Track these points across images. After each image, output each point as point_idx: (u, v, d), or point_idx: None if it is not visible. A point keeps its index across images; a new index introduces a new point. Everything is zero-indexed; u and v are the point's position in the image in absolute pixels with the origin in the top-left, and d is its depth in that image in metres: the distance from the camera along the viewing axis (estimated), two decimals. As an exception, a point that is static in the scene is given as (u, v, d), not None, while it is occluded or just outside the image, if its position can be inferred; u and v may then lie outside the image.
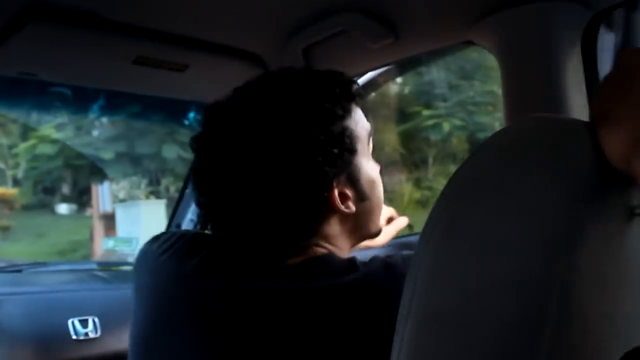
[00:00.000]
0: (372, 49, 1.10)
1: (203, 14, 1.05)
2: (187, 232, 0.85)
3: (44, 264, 1.99)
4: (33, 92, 1.61)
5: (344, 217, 0.78)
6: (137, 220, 8.05)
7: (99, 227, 8.82)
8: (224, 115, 0.77)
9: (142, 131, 8.09)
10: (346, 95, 0.79)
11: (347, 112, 0.77)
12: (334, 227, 0.77)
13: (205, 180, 0.77)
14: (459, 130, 8.22)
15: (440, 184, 8.48)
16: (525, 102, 0.91)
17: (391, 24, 1.03)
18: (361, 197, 0.79)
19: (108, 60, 1.19)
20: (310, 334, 0.68)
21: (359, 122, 0.79)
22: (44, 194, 10.24)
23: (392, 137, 9.10)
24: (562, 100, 0.87)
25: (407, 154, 8.98)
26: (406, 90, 8.92)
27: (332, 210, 0.76)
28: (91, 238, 8.76)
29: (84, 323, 1.55)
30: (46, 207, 10.13)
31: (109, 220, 8.68)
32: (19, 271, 1.88)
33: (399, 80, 8.84)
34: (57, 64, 1.20)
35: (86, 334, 1.53)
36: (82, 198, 9.66)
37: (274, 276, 0.73)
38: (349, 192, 0.77)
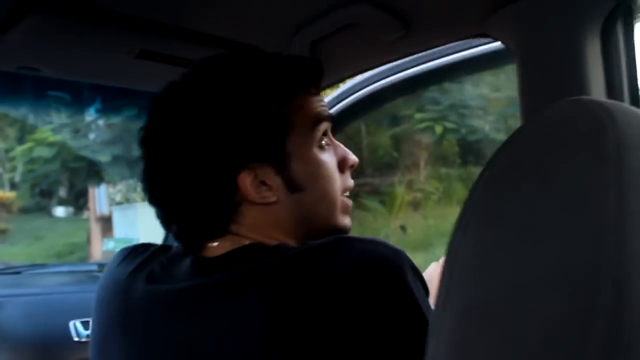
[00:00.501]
0: (382, 43, 1.06)
1: (208, 7, 1.00)
2: (145, 243, 0.86)
3: (43, 265, 1.98)
4: (31, 92, 1.58)
5: (267, 207, 0.73)
6: (134, 222, 8.00)
7: (96, 230, 8.76)
8: (162, 98, 0.77)
9: (138, 134, 8.04)
10: (293, 81, 0.76)
11: (284, 98, 0.74)
12: (255, 217, 0.73)
13: (147, 169, 0.77)
14: (451, 133, 8.23)
15: (432, 186, 8.55)
16: (543, 95, 0.87)
17: (402, 16, 0.98)
18: (292, 187, 0.74)
19: (111, 55, 1.14)
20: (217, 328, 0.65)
21: (303, 110, 0.75)
22: (41, 196, 10.17)
23: (384, 140, 9.10)
24: (580, 94, 0.83)
25: (400, 157, 8.98)
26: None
27: (247, 199, 0.72)
28: (88, 241, 8.70)
29: (86, 325, 1.52)
30: (43, 210, 10.07)
31: (106, 223, 8.64)
32: (18, 273, 1.86)
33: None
34: (58, 58, 1.15)
35: (88, 335, 1.48)
36: (79, 201, 9.60)
37: (190, 273, 0.72)
38: (271, 181, 0.72)
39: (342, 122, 1.55)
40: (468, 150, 8.51)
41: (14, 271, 1.89)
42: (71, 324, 1.51)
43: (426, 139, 8.36)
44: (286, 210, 0.74)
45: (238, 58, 0.78)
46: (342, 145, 0.82)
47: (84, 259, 8.41)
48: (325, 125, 0.77)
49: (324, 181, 0.76)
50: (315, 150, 0.76)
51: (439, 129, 8.00)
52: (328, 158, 0.78)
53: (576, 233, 0.39)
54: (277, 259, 0.66)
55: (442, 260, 0.99)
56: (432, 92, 7.99)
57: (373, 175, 9.21)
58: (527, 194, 0.42)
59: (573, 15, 0.84)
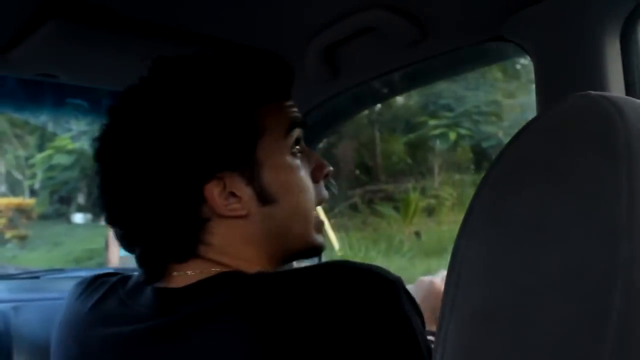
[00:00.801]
0: (397, 48, 1.05)
1: (224, 13, 1.00)
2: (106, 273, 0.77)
3: (61, 270, 1.95)
4: (50, 99, 1.59)
5: (237, 222, 0.66)
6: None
7: (114, 236, 8.80)
8: (118, 105, 0.70)
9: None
10: (264, 83, 0.70)
11: (255, 101, 0.67)
12: (224, 234, 0.65)
13: (103, 185, 0.68)
14: (465, 140, 8.21)
15: (446, 192, 8.51)
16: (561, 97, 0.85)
17: (418, 20, 0.96)
18: (263, 199, 0.66)
19: (127, 61, 1.09)
20: None
21: (275, 115, 0.69)
22: (60, 203, 10.30)
23: (398, 146, 9.08)
24: (600, 96, 0.81)
25: (414, 164, 8.95)
26: (411, 101, 8.91)
27: (215, 212, 0.64)
28: (106, 246, 8.75)
29: None
30: (62, 216, 10.19)
31: None
32: (37, 277, 1.85)
33: (404, 91, 8.84)
34: (76, 65, 1.15)
35: None
36: (97, 207, 9.67)
37: (152, 308, 0.63)
38: (240, 192, 0.65)
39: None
40: (482, 156, 8.47)
41: (32, 276, 1.87)
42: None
43: (440, 145, 8.34)
44: (257, 225, 0.67)
45: (201, 58, 0.70)
46: (315, 153, 0.75)
47: (102, 265, 8.45)
48: (298, 132, 0.71)
49: (298, 192, 0.70)
50: (288, 158, 0.69)
51: (452, 136, 7.99)
52: (302, 167, 0.71)
53: (587, 233, 0.37)
54: (262, 286, 0.59)
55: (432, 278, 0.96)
56: (446, 99, 7.97)
57: (387, 181, 9.19)
58: (534, 193, 0.40)
59: (592, 17, 0.82)
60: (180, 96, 0.65)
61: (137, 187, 0.63)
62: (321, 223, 0.74)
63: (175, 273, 0.65)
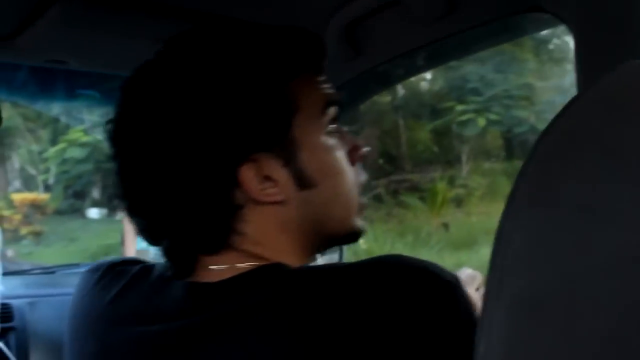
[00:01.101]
0: (423, 23, 1.02)
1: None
2: (129, 260, 0.74)
3: (76, 265, 1.98)
4: (62, 90, 1.63)
5: (273, 208, 0.62)
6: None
7: (129, 231, 8.89)
8: (135, 82, 0.65)
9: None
10: (297, 55, 0.66)
11: (288, 74, 0.64)
12: (260, 222, 0.62)
13: (122, 173, 0.64)
14: (494, 125, 8.14)
15: (476, 182, 8.45)
16: (603, 70, 0.82)
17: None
18: (302, 182, 0.63)
19: (140, 44, 1.07)
20: None
21: (309, 90, 0.65)
22: (74, 198, 10.45)
23: (424, 134, 9.03)
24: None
25: (440, 152, 8.90)
26: (437, 85, 8.85)
27: (252, 199, 0.61)
28: (122, 241, 8.85)
29: None
30: (77, 211, 10.33)
31: None
32: (52, 273, 1.91)
33: (428, 76, 8.81)
34: (85, 50, 1.14)
35: None
36: (112, 202, 9.78)
37: (184, 305, 0.60)
38: (277, 175, 0.62)
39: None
40: (513, 143, 8.39)
41: (47, 271, 1.92)
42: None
43: (468, 132, 8.27)
44: (295, 211, 0.64)
45: (227, 30, 0.66)
46: (349, 133, 0.73)
47: (119, 261, 8.58)
48: (334, 110, 0.68)
49: (338, 174, 0.67)
50: (325, 138, 0.66)
51: (481, 121, 7.93)
52: (339, 148, 0.68)
53: None
54: (306, 283, 0.57)
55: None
56: (474, 83, 7.90)
57: (413, 171, 9.16)
58: (587, 170, 0.38)
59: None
60: (209, 69, 0.61)
61: (162, 172, 0.60)
62: (364, 206, 0.72)
63: (208, 266, 0.62)
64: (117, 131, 0.64)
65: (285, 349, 0.53)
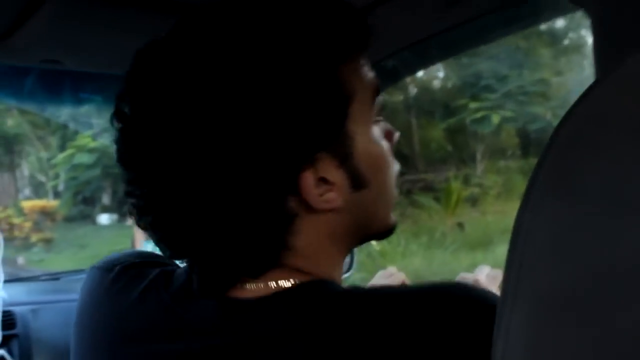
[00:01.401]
0: (438, 7, 0.99)
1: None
2: (141, 254, 0.66)
3: (81, 271, 1.97)
4: (62, 93, 1.63)
5: (325, 216, 0.54)
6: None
7: (139, 236, 8.98)
8: (156, 54, 0.54)
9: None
10: (347, 34, 0.55)
11: (341, 58, 0.53)
12: (310, 235, 0.54)
13: (144, 183, 0.54)
14: (509, 123, 8.12)
15: (491, 180, 8.42)
16: (623, 56, 0.79)
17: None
18: (356, 183, 0.55)
19: (137, 41, 1.09)
20: None
21: (358, 76, 0.56)
22: (84, 204, 10.58)
23: (437, 133, 9.02)
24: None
25: (454, 150, 8.88)
26: (450, 83, 8.84)
27: (305, 207, 0.53)
28: (132, 247, 8.95)
29: None
30: (87, 217, 10.46)
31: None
32: (57, 279, 1.92)
33: (441, 74, 8.80)
34: (81, 49, 1.12)
35: None
36: (122, 208, 9.88)
37: (215, 321, 0.53)
38: (333, 177, 0.53)
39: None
40: (528, 140, 8.36)
41: (52, 277, 1.93)
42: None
43: (482, 130, 8.25)
44: (346, 217, 0.56)
45: (259, 2, 0.54)
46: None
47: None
48: (382, 98, 0.60)
49: (387, 169, 0.59)
50: (375, 129, 0.58)
51: (496, 119, 7.91)
52: (382, 137, 0.60)
53: None
54: (354, 309, 0.51)
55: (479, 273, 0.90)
56: (487, 80, 7.88)
57: (426, 170, 9.15)
58: (613, 156, 0.35)
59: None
60: (254, 51, 0.50)
61: (202, 180, 0.50)
62: (396, 198, 0.64)
63: (244, 283, 0.54)
64: (137, 130, 0.53)
65: None
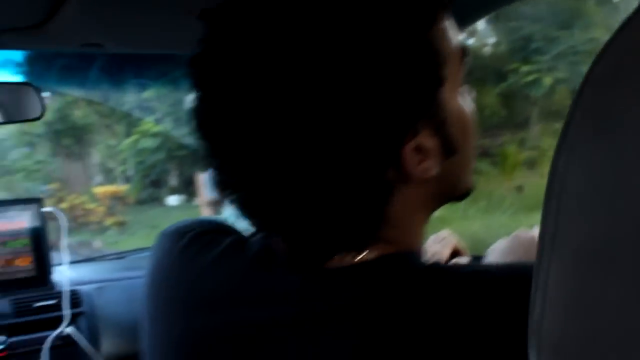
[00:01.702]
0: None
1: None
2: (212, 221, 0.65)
3: (147, 249, 1.97)
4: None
5: (419, 187, 0.53)
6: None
7: (207, 214, 9.18)
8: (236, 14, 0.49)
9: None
10: None
11: (430, 21, 0.51)
12: (404, 206, 0.53)
13: (211, 126, 0.51)
14: (562, 84, 8.01)
15: (547, 143, 8.32)
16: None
17: None
18: (449, 149, 0.53)
19: (177, 20, 1.04)
20: None
21: (447, 38, 0.53)
22: (153, 187, 10.85)
23: (490, 99, 9.00)
24: None
25: (508, 115, 8.84)
26: (500, 49, 8.78)
27: (402, 177, 0.51)
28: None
29: None
30: (156, 200, 10.72)
31: (217, 207, 9.07)
32: (122, 258, 1.99)
33: (491, 40, 8.71)
34: (120, 30, 1.11)
35: None
36: (188, 188, 10.02)
37: (296, 289, 0.53)
38: (430, 145, 0.51)
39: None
40: (583, 100, 8.19)
41: (118, 256, 2.00)
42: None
43: (535, 92, 8.19)
44: (436, 185, 0.54)
45: None
46: None
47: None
48: (470, 60, 0.58)
49: (473, 133, 0.57)
50: (462, 93, 0.56)
51: (548, 81, 7.78)
52: (470, 100, 0.58)
53: None
54: (437, 286, 0.50)
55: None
56: (537, 42, 7.82)
57: (482, 136, 9.05)
58: None
59: None
60: (343, 20, 0.47)
61: (300, 153, 0.47)
62: None
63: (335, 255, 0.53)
64: (226, 98, 0.49)
65: (406, 351, 0.47)
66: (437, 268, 0.53)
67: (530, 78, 7.91)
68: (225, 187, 0.53)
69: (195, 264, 0.59)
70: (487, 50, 8.70)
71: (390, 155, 0.49)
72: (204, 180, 9.69)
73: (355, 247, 0.52)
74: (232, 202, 0.53)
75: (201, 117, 0.51)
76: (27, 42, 1.13)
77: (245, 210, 0.53)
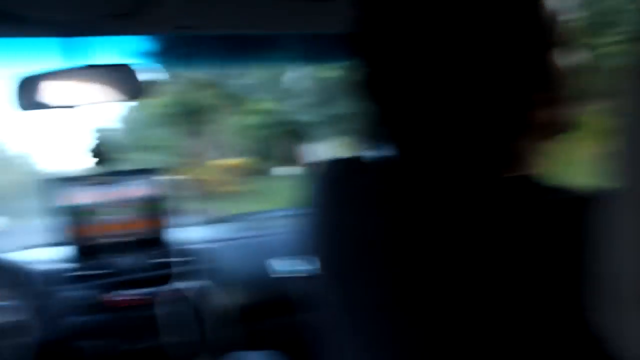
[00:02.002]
0: None
1: None
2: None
3: (258, 212, 2.07)
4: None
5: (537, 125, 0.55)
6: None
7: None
8: None
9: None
10: None
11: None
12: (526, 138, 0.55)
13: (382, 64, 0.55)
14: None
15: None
16: None
17: None
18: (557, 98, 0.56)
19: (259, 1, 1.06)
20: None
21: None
22: (262, 159, 11.72)
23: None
24: None
25: (587, 88, 8.75)
26: (574, 24, 8.70)
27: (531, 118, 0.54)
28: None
29: (280, 263, 1.69)
30: (265, 171, 11.49)
31: None
32: (243, 220, 2.03)
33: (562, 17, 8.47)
34: (211, 11, 1.13)
35: (283, 271, 1.66)
36: (292, 160, 10.72)
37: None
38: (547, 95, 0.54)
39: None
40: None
41: (239, 219, 2.04)
42: (269, 262, 1.69)
43: (614, 64, 8.13)
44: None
45: None
46: None
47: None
48: None
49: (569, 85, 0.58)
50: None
51: (625, 53, 7.54)
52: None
53: None
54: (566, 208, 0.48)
55: None
56: (612, 15, 7.79)
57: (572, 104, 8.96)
58: None
59: None
60: None
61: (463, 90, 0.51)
62: None
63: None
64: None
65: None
66: (562, 190, 0.52)
67: (607, 50, 7.90)
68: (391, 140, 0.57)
69: (354, 207, 0.61)
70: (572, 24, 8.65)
71: (527, 99, 0.53)
72: (308, 153, 10.45)
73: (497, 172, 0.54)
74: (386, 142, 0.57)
75: (374, 84, 0.56)
76: (122, 28, 1.16)
77: (399, 148, 0.56)
